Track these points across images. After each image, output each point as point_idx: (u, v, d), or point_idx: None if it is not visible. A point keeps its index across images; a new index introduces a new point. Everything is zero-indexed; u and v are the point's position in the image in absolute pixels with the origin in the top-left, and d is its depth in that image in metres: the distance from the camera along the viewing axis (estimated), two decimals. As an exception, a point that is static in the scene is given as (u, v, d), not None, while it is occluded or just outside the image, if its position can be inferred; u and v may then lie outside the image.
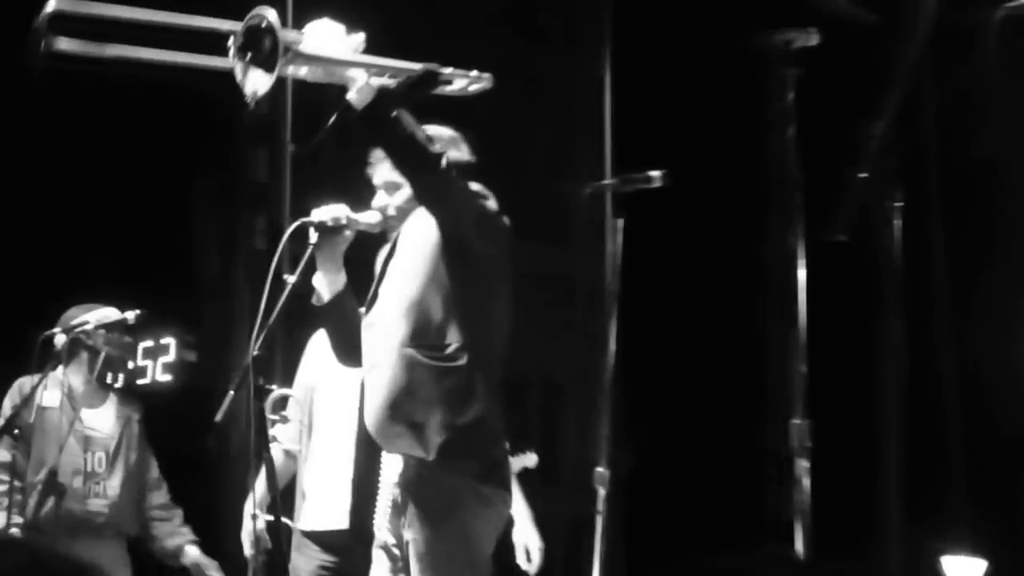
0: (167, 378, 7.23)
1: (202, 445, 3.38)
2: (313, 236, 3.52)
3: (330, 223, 3.53)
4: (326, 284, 3.59)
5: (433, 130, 3.41)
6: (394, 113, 3.22)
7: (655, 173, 3.64)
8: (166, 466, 5.35)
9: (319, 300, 3.60)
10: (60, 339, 4.88)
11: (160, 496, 5.17)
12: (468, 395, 3.32)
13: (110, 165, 7.07)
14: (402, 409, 3.35)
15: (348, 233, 3.57)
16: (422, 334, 3.36)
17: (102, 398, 5.11)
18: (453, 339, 3.34)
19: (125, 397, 5.18)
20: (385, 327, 3.44)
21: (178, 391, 7.02)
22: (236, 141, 6.94)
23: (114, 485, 4.99)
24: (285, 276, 3.41)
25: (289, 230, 3.48)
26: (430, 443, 3.30)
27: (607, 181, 4.14)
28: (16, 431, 4.76)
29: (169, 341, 7.38)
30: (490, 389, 3.37)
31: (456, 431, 3.30)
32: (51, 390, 4.86)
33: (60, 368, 4.97)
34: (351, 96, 3.24)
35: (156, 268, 7.11)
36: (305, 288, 3.55)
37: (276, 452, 4.39)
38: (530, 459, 4.71)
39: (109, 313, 4.92)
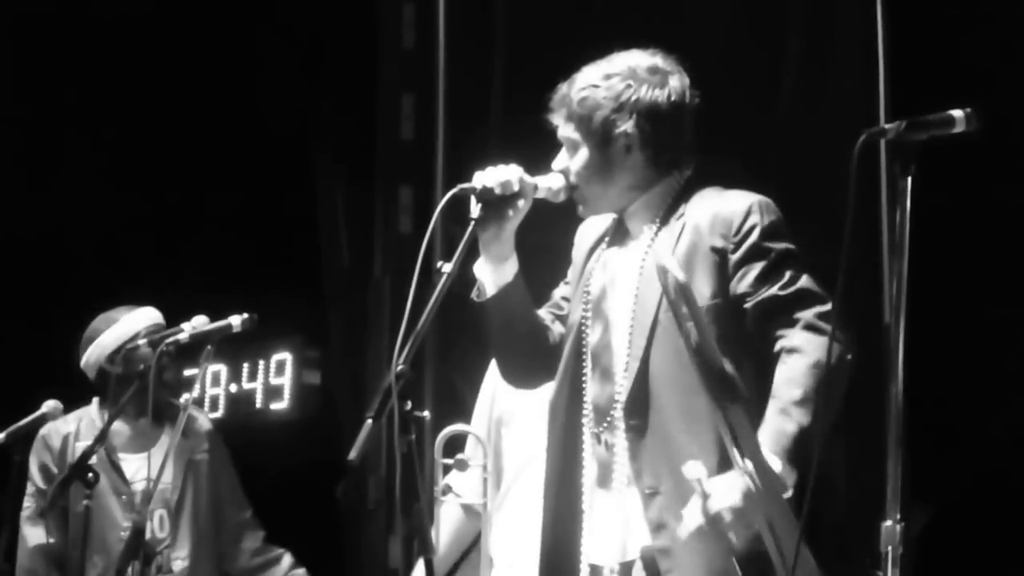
0: (280, 406, 7.35)
1: (329, 496, 3.41)
2: (475, 208, 3.52)
3: (498, 190, 3.53)
4: (490, 273, 3.58)
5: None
6: None
7: (958, 113, 3.49)
8: (279, 526, 5.44)
9: (480, 294, 3.60)
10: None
11: (254, 540, 5.24)
12: None
13: (196, 119, 7.19)
14: None
15: (522, 203, 3.58)
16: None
17: (155, 436, 5.20)
18: None
19: (185, 426, 5.25)
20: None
21: (295, 423, 7.14)
22: (371, 87, 7.01)
23: (182, 552, 5.07)
24: (439, 264, 3.42)
25: (443, 200, 3.48)
26: None
27: (886, 125, 4.03)
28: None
29: (284, 357, 7.51)
30: None
31: None
32: (85, 438, 4.98)
33: (95, 403, 5.10)
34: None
35: (265, 259, 7.25)
36: (465, 280, 3.55)
37: (452, 508, 4.41)
38: None
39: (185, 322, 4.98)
